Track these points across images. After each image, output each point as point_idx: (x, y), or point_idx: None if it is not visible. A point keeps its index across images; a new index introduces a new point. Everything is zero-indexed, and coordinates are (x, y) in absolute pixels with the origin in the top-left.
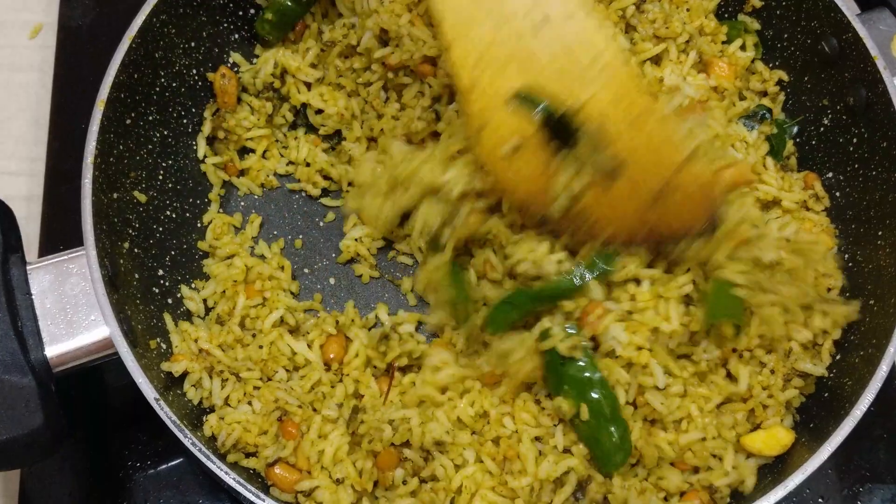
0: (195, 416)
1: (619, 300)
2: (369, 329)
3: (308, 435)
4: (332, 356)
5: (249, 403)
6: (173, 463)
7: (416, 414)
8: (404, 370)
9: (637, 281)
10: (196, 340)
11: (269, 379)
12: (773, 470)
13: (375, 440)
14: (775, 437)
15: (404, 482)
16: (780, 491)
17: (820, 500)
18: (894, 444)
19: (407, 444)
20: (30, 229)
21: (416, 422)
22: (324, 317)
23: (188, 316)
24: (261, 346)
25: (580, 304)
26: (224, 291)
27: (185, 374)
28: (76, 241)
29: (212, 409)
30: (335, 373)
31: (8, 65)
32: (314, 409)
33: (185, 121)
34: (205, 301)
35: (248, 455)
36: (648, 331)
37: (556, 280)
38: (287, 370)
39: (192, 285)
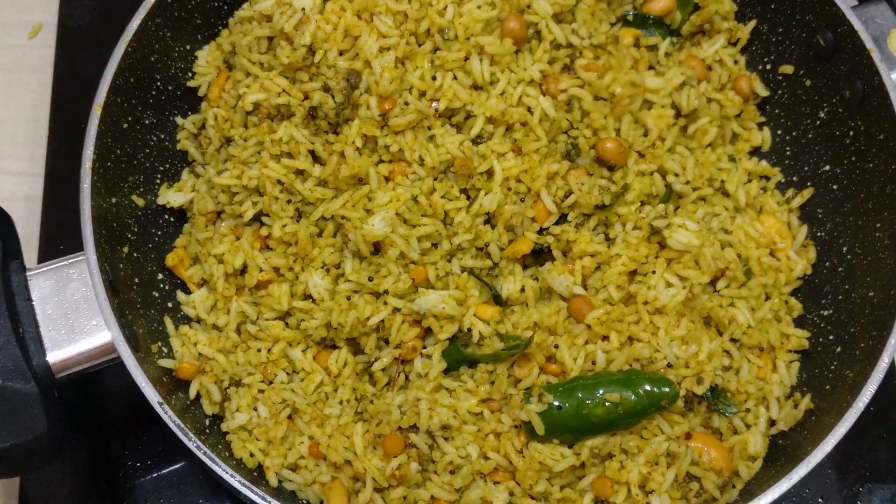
0: (199, 419)
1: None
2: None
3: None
4: (326, 366)
5: (255, 409)
6: (174, 463)
7: (426, 398)
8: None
9: None
10: (195, 344)
11: (270, 382)
12: (776, 463)
13: (384, 423)
14: None
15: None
16: (785, 483)
17: (820, 499)
18: (894, 443)
19: (413, 428)
20: (30, 230)
21: (424, 405)
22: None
23: (188, 320)
24: (259, 350)
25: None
26: (216, 302)
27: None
28: (76, 242)
29: (218, 418)
30: (334, 378)
31: (8, 65)
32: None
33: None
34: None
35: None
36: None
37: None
38: (287, 373)
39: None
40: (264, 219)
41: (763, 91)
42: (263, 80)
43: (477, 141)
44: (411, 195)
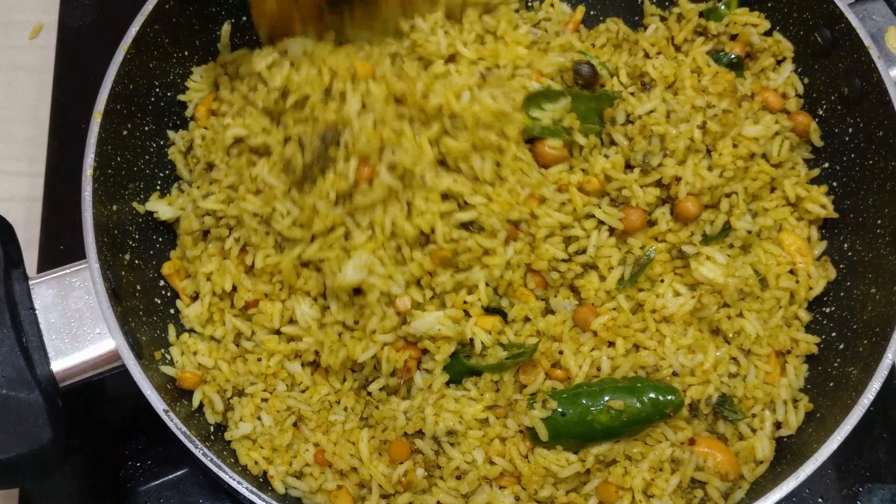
0: (203, 426)
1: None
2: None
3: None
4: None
5: (259, 418)
6: (175, 465)
7: (431, 404)
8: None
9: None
10: (195, 354)
11: (272, 393)
12: (782, 462)
13: (389, 429)
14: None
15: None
16: (792, 482)
17: (820, 499)
18: (894, 444)
19: (419, 433)
20: (30, 230)
21: (430, 411)
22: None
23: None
24: (259, 359)
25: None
26: (212, 315)
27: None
28: (77, 242)
29: (223, 426)
30: (336, 390)
31: (8, 65)
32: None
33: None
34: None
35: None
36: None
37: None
38: (287, 385)
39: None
40: (248, 248)
41: (818, 142)
42: (246, 116)
43: (467, 226)
44: (395, 244)
